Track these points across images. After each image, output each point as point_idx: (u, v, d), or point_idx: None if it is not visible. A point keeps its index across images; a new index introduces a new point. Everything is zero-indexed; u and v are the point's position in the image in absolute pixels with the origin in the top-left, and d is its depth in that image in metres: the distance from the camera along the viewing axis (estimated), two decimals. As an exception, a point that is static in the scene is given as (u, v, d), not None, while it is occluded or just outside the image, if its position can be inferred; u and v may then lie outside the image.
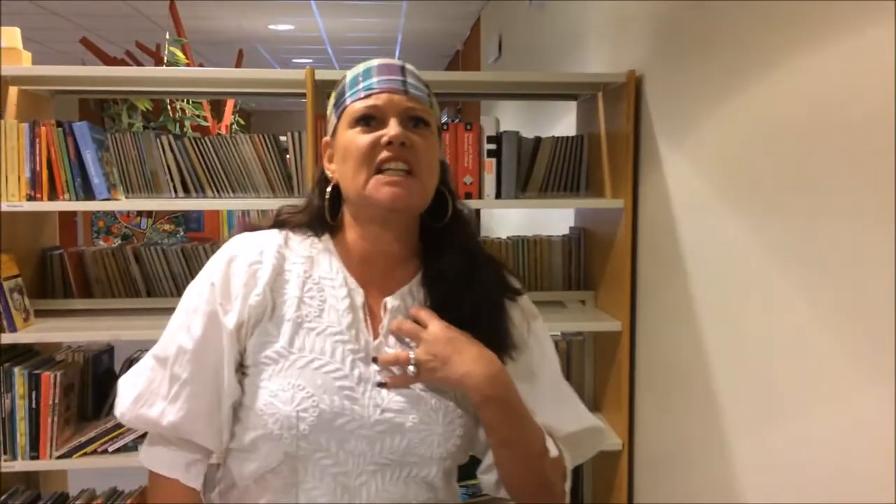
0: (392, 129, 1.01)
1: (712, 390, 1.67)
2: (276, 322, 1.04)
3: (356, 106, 1.05)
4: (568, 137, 2.37)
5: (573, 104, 2.66)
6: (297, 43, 8.18)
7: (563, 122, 3.18)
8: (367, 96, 1.04)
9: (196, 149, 2.30)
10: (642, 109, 2.12)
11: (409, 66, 1.09)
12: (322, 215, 1.10)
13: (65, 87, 2.41)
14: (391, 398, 1.02)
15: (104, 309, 2.38)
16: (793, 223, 1.38)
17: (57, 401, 2.11)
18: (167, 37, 5.81)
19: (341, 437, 1.00)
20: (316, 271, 1.08)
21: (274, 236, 1.10)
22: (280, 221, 1.14)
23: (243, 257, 1.06)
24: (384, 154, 1.01)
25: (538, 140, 2.35)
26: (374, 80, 1.06)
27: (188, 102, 5.83)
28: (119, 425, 2.17)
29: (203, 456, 1.09)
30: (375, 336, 1.07)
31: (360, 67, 1.09)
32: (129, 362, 2.36)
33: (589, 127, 2.46)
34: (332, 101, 1.12)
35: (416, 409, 1.02)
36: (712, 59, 1.70)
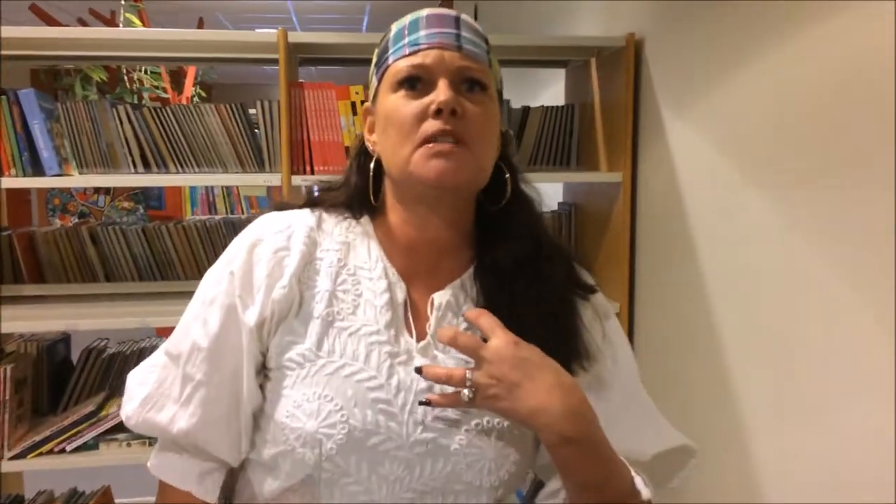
0: (441, 93, 0.84)
1: (724, 379, 1.56)
2: (303, 319, 0.89)
3: (399, 65, 0.88)
4: (558, 107, 2.22)
5: (561, 72, 2.51)
6: (261, 11, 7.89)
7: (548, 91, 3.03)
8: (412, 53, 0.88)
9: (157, 120, 2.11)
10: (642, 76, 1.98)
11: (465, 17, 0.92)
12: (362, 194, 0.95)
13: (11, 51, 2.18)
14: (434, 415, 0.86)
15: (58, 295, 2.19)
16: (821, 198, 1.27)
17: (8, 397, 1.94)
18: (122, 2, 5.51)
19: (374, 459, 0.84)
20: (352, 260, 0.93)
21: (305, 217, 0.94)
22: (313, 200, 0.98)
23: (268, 242, 0.91)
24: (431, 125, 0.84)
25: (527, 110, 2.20)
26: (422, 33, 0.88)
27: (146, 72, 5.55)
28: (78, 421, 2.00)
29: (219, 466, 0.94)
30: (420, 338, 0.90)
31: (405, 19, 0.92)
32: (89, 352, 2.18)
33: (580, 96, 2.31)
34: (374, 59, 0.95)
35: (465, 428, 0.86)
36: (724, 19, 1.56)
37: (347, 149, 2.01)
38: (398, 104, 0.87)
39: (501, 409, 0.81)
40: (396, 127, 0.86)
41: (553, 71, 2.69)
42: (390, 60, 0.90)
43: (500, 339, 0.81)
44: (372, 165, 0.94)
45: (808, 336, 1.32)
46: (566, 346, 0.88)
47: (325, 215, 0.96)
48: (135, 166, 2.12)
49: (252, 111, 2.19)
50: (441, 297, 0.91)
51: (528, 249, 0.91)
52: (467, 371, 0.81)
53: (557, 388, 0.79)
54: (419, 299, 0.92)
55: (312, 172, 1.99)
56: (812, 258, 1.30)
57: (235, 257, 0.92)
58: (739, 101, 1.53)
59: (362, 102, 2.00)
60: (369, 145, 0.95)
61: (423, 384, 0.86)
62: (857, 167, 1.18)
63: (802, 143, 1.32)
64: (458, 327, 0.89)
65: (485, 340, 0.82)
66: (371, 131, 0.95)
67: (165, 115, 2.11)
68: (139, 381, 0.96)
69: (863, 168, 1.17)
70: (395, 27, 0.92)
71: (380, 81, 0.91)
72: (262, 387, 0.91)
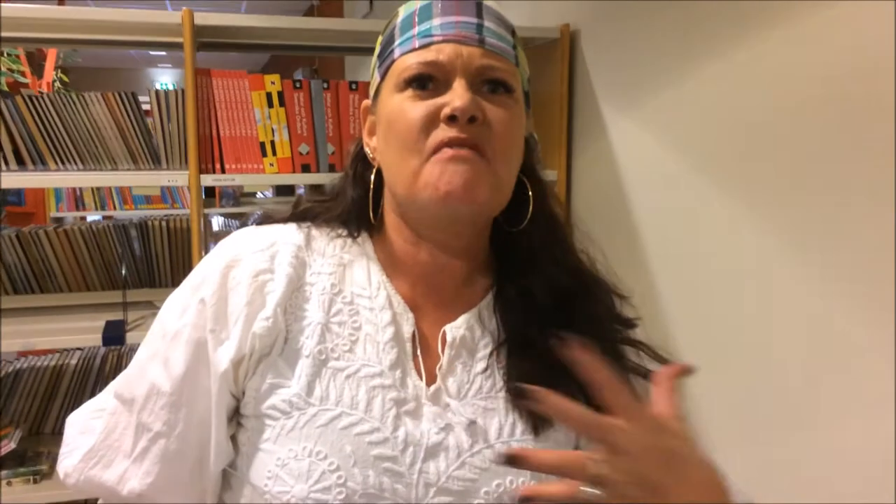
0: (458, 97, 0.69)
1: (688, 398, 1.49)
2: (289, 358, 0.74)
3: (407, 61, 0.72)
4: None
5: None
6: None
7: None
8: (423, 47, 0.72)
9: (32, 109, 1.83)
10: (577, 69, 1.89)
11: (488, 2, 0.76)
12: (361, 209, 0.80)
13: None
14: (449, 475, 0.71)
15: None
16: (776, 196, 1.23)
17: None
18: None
19: None
20: (348, 286, 0.77)
21: (291, 234, 0.79)
22: (301, 213, 0.82)
23: (247, 264, 0.75)
24: (444, 133, 0.69)
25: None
26: (436, 22, 0.73)
27: (2, 55, 4.98)
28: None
29: None
30: (430, 381, 0.75)
31: (415, 3, 0.76)
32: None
33: (504, 88, 2.21)
34: (376, 49, 0.79)
35: (484, 491, 0.71)
36: (670, 15, 1.49)
37: (262, 144, 1.81)
38: (404, 107, 0.71)
39: None
40: (402, 135, 0.71)
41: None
42: (396, 54, 0.74)
43: (642, 421, 0.58)
44: (373, 177, 0.78)
45: (766, 333, 1.27)
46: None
47: (314, 231, 0.80)
48: (6, 163, 1.83)
49: (144, 99, 1.94)
50: (454, 330, 0.76)
51: (564, 280, 0.77)
52: (589, 461, 0.56)
53: (706, 486, 0.59)
54: (429, 333, 0.77)
55: (223, 171, 1.78)
56: (770, 256, 1.26)
57: (206, 281, 0.75)
58: (690, 98, 1.47)
59: (279, 94, 1.81)
60: (368, 151, 0.80)
61: (434, 438, 0.71)
62: (810, 164, 1.16)
63: (756, 142, 1.28)
64: (474, 368, 0.75)
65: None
66: (371, 134, 0.80)
67: (42, 104, 1.83)
68: (81, 430, 0.79)
69: (817, 165, 1.15)
70: (402, 11, 0.77)
71: (383, 77, 0.76)
72: (233, 438, 0.75)
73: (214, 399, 0.72)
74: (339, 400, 0.71)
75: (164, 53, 8.63)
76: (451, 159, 0.68)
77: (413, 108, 0.71)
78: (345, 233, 0.80)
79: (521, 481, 0.72)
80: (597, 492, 0.55)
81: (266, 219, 0.83)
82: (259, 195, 5.20)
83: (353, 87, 1.88)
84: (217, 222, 5.35)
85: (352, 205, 0.80)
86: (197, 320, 0.74)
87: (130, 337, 1.72)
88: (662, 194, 1.59)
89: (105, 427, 0.78)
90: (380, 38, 0.79)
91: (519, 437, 0.73)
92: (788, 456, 1.24)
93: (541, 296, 0.76)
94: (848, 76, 1.10)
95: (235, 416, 0.75)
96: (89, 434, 0.79)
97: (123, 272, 1.99)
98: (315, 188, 5.24)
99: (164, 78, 10.74)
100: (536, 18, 2.15)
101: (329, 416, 0.70)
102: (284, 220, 0.82)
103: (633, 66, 1.66)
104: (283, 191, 4.76)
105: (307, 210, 0.83)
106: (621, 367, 0.76)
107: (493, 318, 0.78)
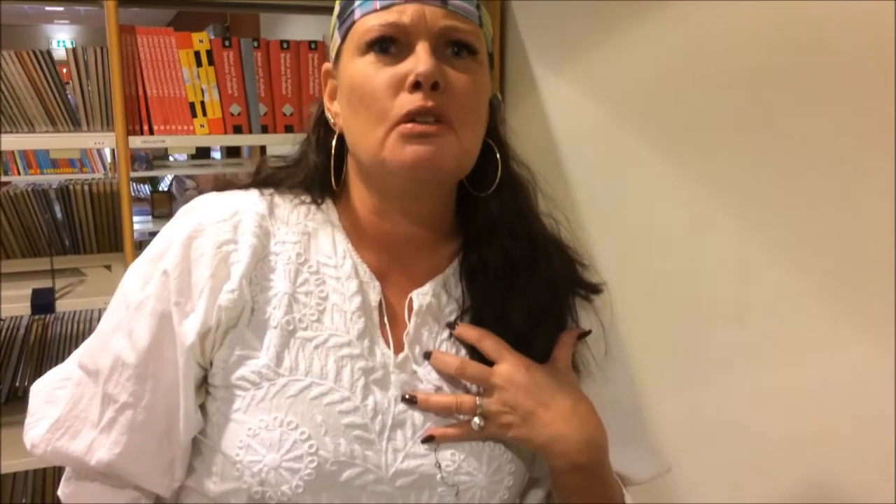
0: (421, 62, 0.69)
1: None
2: (256, 329, 0.73)
3: (369, 22, 0.71)
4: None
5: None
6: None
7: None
8: (384, 8, 0.71)
9: (-60, 69, 1.72)
10: (508, 29, 1.92)
11: None
12: (323, 175, 0.79)
13: None
14: (416, 440, 0.73)
15: None
16: (717, 157, 1.29)
17: None
18: None
19: (349, 495, 0.71)
20: (314, 255, 0.77)
21: (254, 202, 0.78)
22: (262, 179, 0.81)
23: (210, 234, 0.74)
24: (408, 101, 0.69)
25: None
26: None
27: None
28: None
29: (147, 496, 0.78)
30: (397, 349, 0.76)
31: None
32: None
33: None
34: (336, 9, 0.77)
35: (451, 452, 0.74)
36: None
37: (192, 105, 1.77)
38: (367, 73, 0.71)
39: (516, 438, 0.74)
40: (365, 103, 0.71)
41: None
42: (357, 15, 0.73)
43: (510, 363, 0.74)
44: (334, 142, 0.78)
45: (694, 279, 1.35)
46: None
47: (277, 199, 0.79)
48: (-87, 126, 1.73)
49: (59, 54, 1.85)
50: (421, 297, 0.77)
51: (523, 245, 0.79)
52: (477, 398, 0.74)
53: (574, 415, 0.74)
54: (395, 300, 0.78)
55: (151, 132, 1.73)
56: (697, 206, 1.33)
57: (168, 252, 0.74)
58: (621, 57, 1.51)
59: (208, 53, 1.76)
60: (330, 116, 0.79)
61: (402, 405, 0.74)
62: (734, 121, 1.23)
63: (684, 100, 1.33)
64: (440, 335, 0.78)
65: (488, 364, 0.75)
66: (332, 98, 0.79)
67: (-50, 62, 1.73)
68: (46, 399, 0.78)
69: (740, 122, 1.21)
70: None
71: (343, 39, 0.75)
72: (202, 407, 0.75)
73: (182, 371, 0.72)
74: (309, 370, 0.72)
75: (61, 9, 8.14)
76: (416, 136, 0.69)
77: (376, 74, 0.71)
78: (308, 199, 0.80)
79: (488, 445, 0.75)
80: (480, 423, 0.73)
81: (227, 185, 0.81)
82: (172, 158, 5.03)
83: (285, 46, 1.85)
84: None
85: (314, 171, 0.80)
86: (160, 292, 0.73)
87: (60, 305, 1.67)
88: (594, 151, 1.64)
89: (71, 397, 0.77)
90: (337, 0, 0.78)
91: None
92: (718, 398, 1.33)
93: (504, 262, 0.78)
94: (776, 41, 1.16)
95: (204, 385, 0.75)
96: (55, 404, 0.78)
97: (47, 238, 1.92)
98: (232, 151, 5.07)
99: (62, 35, 10.15)
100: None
101: (299, 387, 0.71)
102: (246, 187, 0.81)
103: (565, 27, 1.70)
104: (202, 153, 4.62)
105: (269, 176, 0.82)
106: (570, 323, 0.81)
107: (460, 285, 0.79)
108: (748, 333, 1.26)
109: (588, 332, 0.81)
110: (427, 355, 0.76)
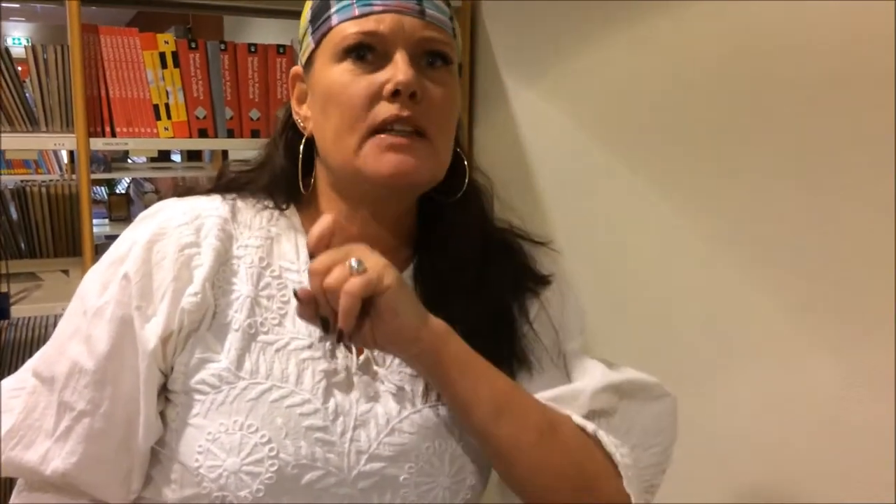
0: (400, 72, 0.70)
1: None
2: (218, 332, 0.73)
3: (346, 29, 0.72)
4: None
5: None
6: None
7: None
8: (363, 15, 0.71)
9: None
10: (479, 41, 1.92)
11: None
12: (289, 179, 0.78)
13: None
14: (379, 441, 0.73)
15: None
16: (690, 171, 1.31)
17: None
18: None
19: (311, 498, 0.70)
20: (276, 260, 0.77)
21: (216, 206, 0.77)
22: (225, 184, 0.80)
23: (172, 237, 0.73)
24: (385, 110, 0.70)
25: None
26: None
27: None
28: None
29: None
30: (359, 352, 0.76)
31: None
32: None
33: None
34: (306, 12, 0.77)
35: (414, 454, 0.74)
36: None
37: (156, 107, 1.73)
38: (344, 80, 0.72)
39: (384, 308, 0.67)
40: (341, 108, 0.72)
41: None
42: (334, 21, 0.73)
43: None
44: (302, 147, 0.78)
45: (666, 294, 1.36)
46: (508, 358, 0.79)
47: (239, 203, 0.79)
48: None
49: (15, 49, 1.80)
50: None
51: (473, 251, 0.80)
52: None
53: (411, 300, 0.70)
54: None
55: (114, 135, 1.69)
56: (669, 219, 1.34)
57: (129, 256, 0.73)
58: (591, 70, 1.52)
59: (173, 54, 1.73)
60: (298, 120, 0.79)
61: (364, 406, 0.73)
62: (707, 136, 1.25)
63: (655, 113, 1.35)
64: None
65: None
66: (301, 102, 0.79)
67: None
68: None
69: (714, 137, 1.24)
70: None
71: (317, 44, 0.75)
72: (162, 414, 0.74)
73: (143, 377, 0.71)
74: (270, 373, 0.72)
75: (16, 6, 7.95)
76: (392, 147, 0.70)
77: (354, 82, 0.71)
78: (271, 204, 0.79)
79: (450, 444, 0.75)
80: (357, 265, 0.64)
81: (188, 190, 0.81)
82: (131, 160, 4.93)
83: (252, 49, 1.82)
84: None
85: (280, 175, 0.79)
86: (121, 297, 0.72)
87: (15, 310, 1.61)
88: (564, 163, 1.65)
89: (24, 406, 0.76)
90: (309, 2, 0.78)
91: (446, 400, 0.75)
92: (684, 407, 1.34)
93: (457, 266, 0.79)
94: (746, 52, 1.18)
95: (163, 392, 0.74)
96: (8, 414, 0.76)
97: (2, 242, 1.86)
98: (193, 154, 5.00)
99: (17, 32, 9.91)
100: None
101: (259, 390, 0.71)
102: (208, 192, 0.80)
103: (536, 38, 1.70)
104: (162, 156, 4.53)
105: (231, 181, 0.81)
106: (517, 320, 0.81)
107: (416, 288, 0.79)
108: (715, 344, 1.27)
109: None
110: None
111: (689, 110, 1.30)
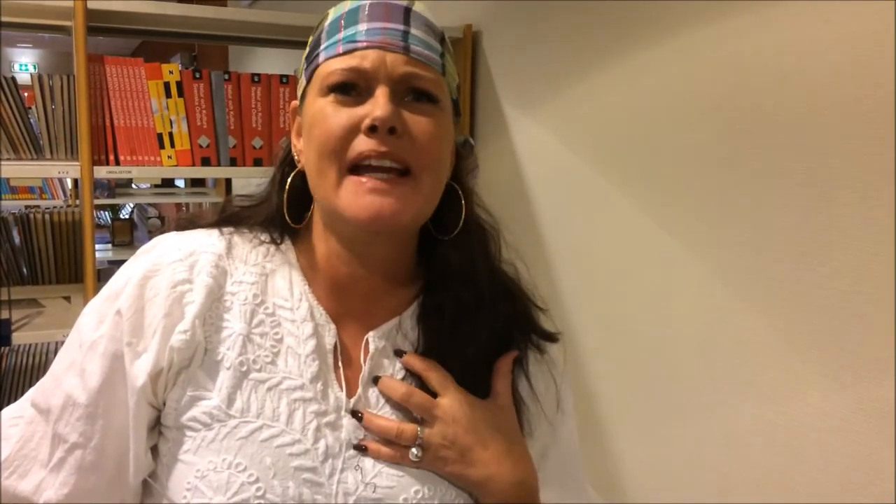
0: (378, 107, 0.69)
1: (585, 384, 1.57)
2: (209, 369, 0.73)
3: (331, 66, 0.72)
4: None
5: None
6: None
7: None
8: (346, 52, 0.72)
9: None
10: (479, 69, 1.94)
11: (417, 8, 0.75)
12: (283, 214, 0.78)
13: None
14: (367, 484, 0.72)
15: None
16: (688, 199, 1.31)
17: None
18: None
19: None
20: (270, 297, 0.76)
21: (213, 242, 0.78)
22: (226, 218, 0.81)
23: (165, 274, 0.74)
24: (363, 143, 0.70)
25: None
26: (362, 27, 0.72)
27: None
28: None
29: None
30: (350, 393, 0.75)
31: (344, 5, 0.76)
32: None
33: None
34: (306, 49, 0.78)
35: (402, 498, 0.73)
36: (573, 19, 1.57)
37: (160, 136, 1.75)
38: (326, 112, 0.72)
39: (451, 473, 0.74)
40: (321, 140, 0.71)
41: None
42: (321, 58, 0.74)
43: (454, 397, 0.75)
44: (290, 179, 0.78)
45: (663, 324, 1.36)
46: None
47: (236, 238, 0.79)
48: None
49: (23, 81, 1.83)
50: (376, 340, 0.77)
51: (480, 291, 0.79)
52: (419, 428, 0.73)
53: (508, 456, 0.75)
54: (350, 343, 0.77)
55: (118, 163, 1.71)
56: (665, 250, 1.34)
57: (123, 292, 0.73)
58: (589, 98, 1.54)
59: (178, 84, 1.75)
60: (295, 154, 0.79)
61: (353, 447, 0.73)
62: (704, 164, 1.25)
63: (651, 141, 1.36)
64: (395, 376, 0.77)
65: (432, 394, 0.75)
66: (299, 135, 0.79)
67: None
68: None
69: (711, 166, 1.24)
70: (332, 14, 0.77)
71: (308, 80, 0.76)
72: (154, 447, 0.74)
73: (132, 412, 0.72)
74: (261, 412, 0.71)
75: (23, 33, 8.05)
76: (372, 191, 0.69)
77: (334, 114, 0.71)
78: (268, 239, 0.79)
79: (439, 489, 0.74)
80: (418, 454, 0.73)
81: (189, 224, 0.82)
82: (135, 186, 4.96)
83: (256, 79, 1.84)
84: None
85: (276, 211, 0.79)
86: (113, 332, 0.72)
87: (16, 337, 1.62)
88: (563, 191, 1.66)
89: (21, 436, 0.76)
90: (310, 39, 0.79)
91: None
92: (684, 440, 1.34)
93: (458, 306, 0.78)
94: (743, 84, 1.20)
95: (157, 426, 0.74)
96: (5, 442, 0.77)
97: (4, 268, 1.87)
98: (197, 180, 5.03)
99: (24, 59, 10.03)
100: (439, 19, 2.17)
101: (250, 429, 0.71)
102: (209, 226, 0.81)
103: (534, 67, 1.72)
104: (166, 182, 4.57)
105: (233, 215, 0.82)
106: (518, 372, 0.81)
107: (416, 330, 0.79)
108: (714, 375, 1.27)
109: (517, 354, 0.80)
110: (376, 380, 0.76)
111: (686, 139, 1.31)
